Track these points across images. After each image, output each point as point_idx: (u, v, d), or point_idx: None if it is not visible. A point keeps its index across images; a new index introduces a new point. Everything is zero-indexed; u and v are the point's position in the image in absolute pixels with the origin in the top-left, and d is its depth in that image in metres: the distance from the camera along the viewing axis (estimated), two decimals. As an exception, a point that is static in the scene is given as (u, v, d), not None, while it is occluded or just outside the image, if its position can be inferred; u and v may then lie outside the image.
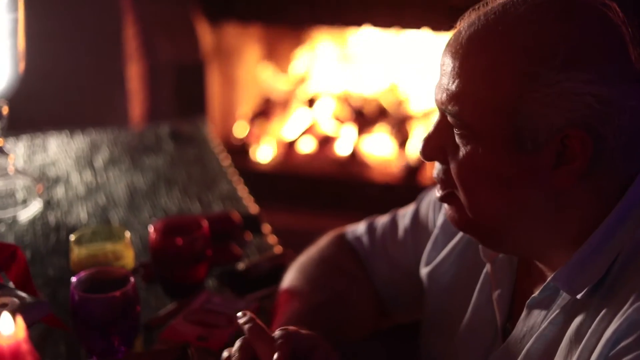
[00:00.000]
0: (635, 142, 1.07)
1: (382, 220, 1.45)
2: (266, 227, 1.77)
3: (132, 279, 1.31)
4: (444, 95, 1.10)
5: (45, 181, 1.99)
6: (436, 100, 1.12)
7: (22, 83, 1.90)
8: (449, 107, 1.09)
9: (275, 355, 1.08)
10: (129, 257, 1.45)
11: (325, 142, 3.23)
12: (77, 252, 1.44)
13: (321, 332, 1.24)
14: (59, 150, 2.16)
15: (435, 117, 1.15)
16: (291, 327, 1.15)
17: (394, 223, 1.43)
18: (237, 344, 1.13)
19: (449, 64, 1.09)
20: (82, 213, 1.86)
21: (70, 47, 2.95)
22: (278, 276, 1.48)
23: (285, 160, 3.23)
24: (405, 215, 1.42)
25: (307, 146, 3.25)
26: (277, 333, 1.12)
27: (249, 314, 1.14)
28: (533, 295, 1.14)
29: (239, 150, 3.20)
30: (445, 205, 1.17)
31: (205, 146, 2.22)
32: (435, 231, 1.34)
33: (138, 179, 2.02)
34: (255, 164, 3.21)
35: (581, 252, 1.08)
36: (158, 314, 1.45)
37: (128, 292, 1.30)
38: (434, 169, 1.17)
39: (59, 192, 1.95)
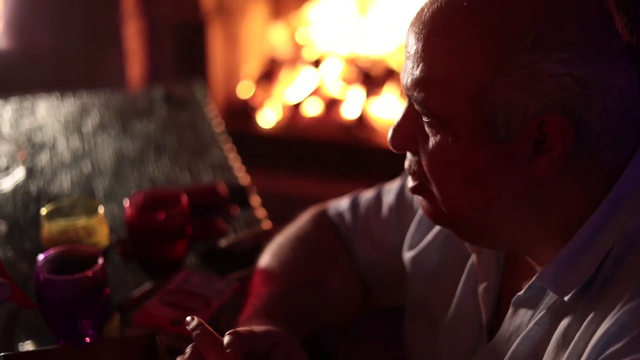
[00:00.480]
0: (624, 124, 0.95)
1: (366, 195, 1.35)
2: (255, 200, 1.68)
3: (100, 260, 1.23)
4: (409, 80, 0.99)
5: (30, 147, 1.91)
6: (402, 85, 1.02)
7: (12, 42, 1.82)
8: (415, 94, 0.98)
9: None
10: (102, 234, 1.37)
11: (332, 104, 3.13)
12: (48, 228, 1.36)
13: (294, 319, 1.17)
14: (47, 114, 2.08)
15: (404, 104, 1.04)
16: (242, 329, 1.07)
17: (378, 199, 1.33)
18: (187, 352, 1.04)
19: (412, 45, 0.98)
20: (65, 182, 1.78)
21: (65, 5, 2.85)
22: (261, 254, 1.39)
23: (290, 123, 3.13)
24: (390, 191, 1.32)
25: (313, 109, 3.15)
26: (226, 339, 1.03)
27: (196, 319, 1.06)
28: (518, 294, 1.05)
29: (242, 113, 3.10)
30: (419, 197, 1.07)
31: (200, 111, 2.12)
32: (420, 212, 1.24)
33: (127, 145, 1.94)
34: (258, 127, 3.12)
35: (568, 248, 0.98)
36: (132, 294, 1.37)
37: (96, 273, 1.22)
38: (406, 159, 1.06)
39: (44, 159, 1.87)
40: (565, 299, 0.98)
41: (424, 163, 1.01)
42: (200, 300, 1.33)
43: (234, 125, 3.07)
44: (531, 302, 1.04)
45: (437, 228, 1.22)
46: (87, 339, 1.23)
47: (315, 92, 3.17)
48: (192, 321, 1.06)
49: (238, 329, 1.07)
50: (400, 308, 1.30)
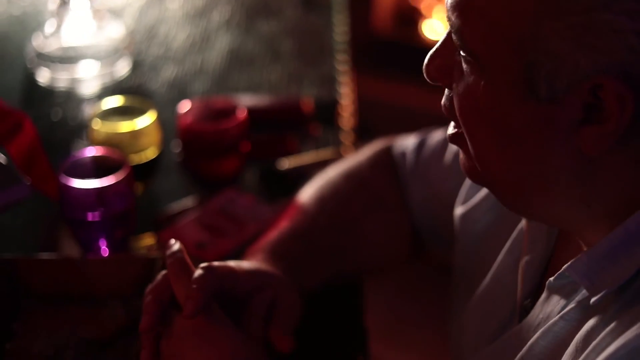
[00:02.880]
0: None
1: (436, 136, 1.19)
2: (347, 121, 1.55)
3: (122, 171, 1.15)
4: (449, 4, 0.82)
5: (147, 39, 1.86)
6: (445, 5, 0.85)
7: None
8: (452, 18, 0.81)
9: (187, 304, 0.90)
10: (150, 140, 1.29)
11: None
12: (96, 128, 1.29)
13: (310, 260, 1.07)
14: (178, 6, 2.01)
15: (445, 29, 0.87)
16: (222, 264, 0.96)
17: (445, 143, 1.16)
18: (157, 279, 0.95)
19: None
20: (165, 80, 1.71)
21: None
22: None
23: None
24: (459, 134, 1.15)
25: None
26: (196, 273, 0.93)
27: (178, 244, 0.96)
28: (550, 279, 0.88)
29: (410, 21, 2.92)
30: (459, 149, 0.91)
31: (332, 16, 1.98)
32: None
33: (245, 46, 1.84)
34: (424, 38, 2.93)
35: (609, 240, 0.80)
36: (169, 209, 1.29)
37: (117, 183, 1.15)
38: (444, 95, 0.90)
39: (155, 52, 1.81)
40: (592, 300, 0.81)
41: (455, 104, 0.85)
42: (237, 224, 1.24)
43: (398, 33, 2.91)
44: (565, 291, 0.87)
45: None
46: (105, 252, 1.18)
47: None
48: (172, 246, 0.97)
49: (215, 263, 0.97)
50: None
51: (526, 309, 0.93)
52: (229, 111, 1.32)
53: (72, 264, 1.09)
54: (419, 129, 1.23)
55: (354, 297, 1.18)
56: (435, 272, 1.24)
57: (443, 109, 0.89)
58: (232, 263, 0.99)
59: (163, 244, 1.21)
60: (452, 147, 1.15)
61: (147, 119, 1.29)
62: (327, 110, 1.53)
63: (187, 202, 1.30)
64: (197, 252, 1.18)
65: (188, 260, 0.95)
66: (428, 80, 0.88)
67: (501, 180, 0.85)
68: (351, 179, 1.18)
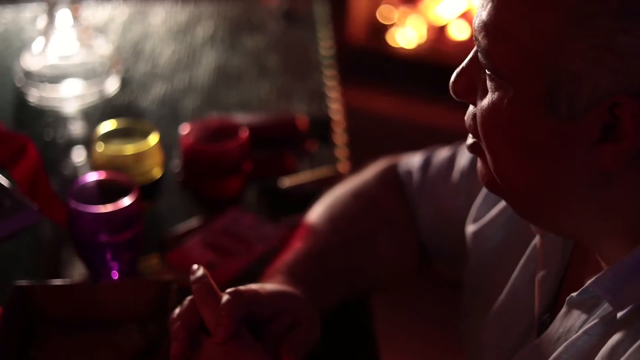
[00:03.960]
0: None
1: (441, 154, 1.21)
2: (340, 137, 1.57)
3: (132, 195, 1.16)
4: (477, 21, 0.86)
5: (132, 56, 1.86)
6: (473, 26, 0.87)
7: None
8: (479, 39, 0.85)
9: (218, 330, 0.91)
10: (154, 163, 1.30)
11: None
12: (97, 151, 1.29)
13: (324, 279, 1.09)
14: (160, 22, 2.01)
15: (473, 48, 0.90)
16: (248, 289, 0.97)
17: (451, 161, 1.19)
18: (183, 306, 0.96)
19: None
20: (155, 97, 1.71)
21: None
22: (324, 199, 1.28)
23: (432, 46, 2.95)
24: (465, 152, 1.18)
25: (459, 32, 2.96)
26: (224, 300, 0.94)
27: (202, 269, 0.97)
28: (572, 294, 0.90)
29: (382, 30, 2.95)
30: (478, 159, 0.93)
31: (316, 30, 2.00)
32: None
33: (231, 61, 1.85)
34: (397, 48, 2.96)
35: (634, 254, 0.83)
36: (175, 230, 1.30)
37: (128, 206, 1.15)
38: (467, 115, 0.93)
39: (142, 69, 1.81)
40: (619, 315, 0.84)
41: (477, 120, 0.88)
42: (244, 244, 1.25)
43: (372, 44, 2.93)
44: (587, 306, 0.90)
45: (503, 202, 1.07)
46: (115, 275, 1.18)
47: (464, 15, 2.97)
48: (196, 271, 0.98)
49: (241, 288, 0.98)
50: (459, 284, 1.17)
51: (544, 324, 0.96)
52: (231, 131, 1.33)
53: (87, 289, 1.09)
54: (393, 136, 1.26)
55: (363, 313, 1.20)
56: (439, 288, 1.26)
57: (466, 122, 0.91)
58: (255, 286, 1.00)
59: (171, 266, 1.22)
60: (459, 166, 1.17)
61: (151, 141, 1.29)
62: (322, 127, 1.55)
63: (192, 222, 1.31)
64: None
65: (214, 285, 0.96)
66: (454, 96, 0.91)
67: (518, 191, 0.88)
68: (360, 198, 1.19)
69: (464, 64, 0.90)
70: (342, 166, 1.47)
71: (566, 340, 0.90)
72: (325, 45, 1.91)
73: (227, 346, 0.92)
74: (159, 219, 1.34)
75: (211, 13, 2.05)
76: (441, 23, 2.97)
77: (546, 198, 0.86)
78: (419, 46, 2.95)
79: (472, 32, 0.88)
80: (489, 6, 0.83)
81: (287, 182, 1.38)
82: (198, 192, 1.33)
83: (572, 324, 0.90)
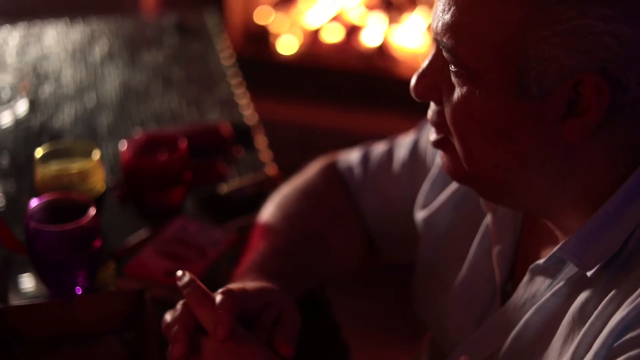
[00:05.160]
0: None
1: (378, 149, 1.30)
2: (261, 141, 1.63)
3: (92, 210, 1.18)
4: (439, 24, 0.93)
5: (34, 78, 1.86)
6: (432, 29, 0.96)
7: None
8: (444, 40, 0.93)
9: (218, 329, 0.96)
10: (97, 180, 1.32)
11: (352, 31, 3.04)
12: (41, 172, 1.31)
13: (292, 274, 1.14)
14: (54, 42, 2.02)
15: (431, 49, 0.98)
16: (235, 286, 1.03)
17: (390, 154, 1.27)
18: (177, 310, 1.01)
19: None
20: (68, 117, 1.73)
21: None
22: (263, 203, 1.34)
23: (308, 50, 3.04)
24: (402, 145, 1.27)
25: (332, 35, 3.06)
26: (218, 298, 0.99)
27: (188, 274, 1.02)
28: (537, 262, 1.00)
29: (260, 39, 3.02)
30: (440, 152, 1.02)
31: (211, 41, 2.05)
32: (434, 170, 1.19)
33: (134, 77, 1.88)
34: (276, 54, 3.04)
35: (594, 221, 0.93)
36: (127, 242, 1.33)
37: (86, 224, 1.18)
38: (429, 109, 1.01)
39: (47, 90, 1.82)
40: (588, 274, 0.93)
41: (447, 115, 0.96)
42: (196, 250, 1.29)
43: (251, 52, 3.00)
44: (550, 272, 0.99)
45: (451, 188, 1.17)
46: (78, 290, 1.20)
47: (336, 18, 3.07)
48: (183, 276, 1.02)
49: (231, 286, 1.04)
50: (408, 268, 1.25)
51: (507, 293, 1.05)
52: (168, 142, 1.37)
53: (61, 305, 1.12)
54: (293, 141, 1.33)
55: (323, 308, 1.26)
56: (387, 272, 1.35)
57: (430, 121, 0.99)
58: (240, 285, 1.05)
59: (130, 277, 1.26)
60: (398, 158, 1.26)
61: (94, 158, 1.32)
62: (242, 133, 1.60)
63: (141, 234, 1.34)
64: (168, 280, 1.22)
65: (204, 287, 1.01)
66: (416, 98, 0.99)
67: (488, 174, 0.96)
68: (309, 195, 1.26)
69: (423, 67, 0.98)
70: (270, 169, 1.54)
71: (533, 304, 0.99)
72: (225, 55, 1.97)
73: (227, 342, 0.97)
74: (106, 233, 1.37)
75: (103, 31, 2.07)
76: (314, 28, 3.07)
77: (515, 177, 0.95)
78: (296, 51, 3.04)
79: (432, 34, 0.96)
80: (452, 9, 0.91)
81: (225, 187, 1.43)
82: (142, 204, 1.37)
83: (536, 289, 1.00)
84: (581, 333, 0.91)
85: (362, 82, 2.96)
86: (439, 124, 0.98)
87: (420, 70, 0.98)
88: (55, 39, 2.03)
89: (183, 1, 2.83)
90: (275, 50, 3.03)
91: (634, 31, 0.86)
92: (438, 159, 1.17)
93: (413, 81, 0.98)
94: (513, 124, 0.91)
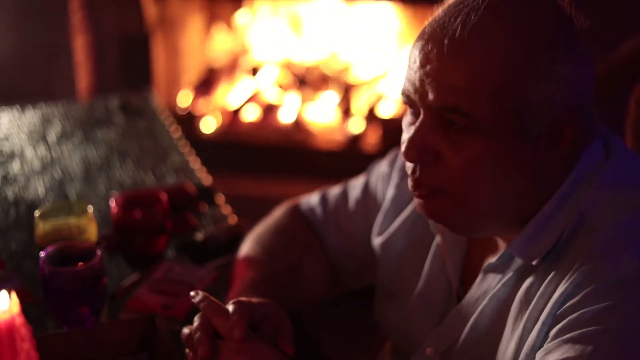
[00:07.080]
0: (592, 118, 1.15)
1: (334, 191, 1.52)
2: (220, 198, 1.85)
3: (98, 252, 1.37)
4: (436, 91, 1.09)
5: (0, 156, 2.04)
6: (424, 97, 1.11)
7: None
8: (450, 100, 1.09)
9: (235, 330, 1.15)
10: (92, 231, 1.52)
11: (269, 110, 3.30)
12: (42, 227, 1.49)
13: (274, 300, 1.30)
14: (11, 125, 2.20)
15: (408, 117, 1.16)
16: (243, 299, 1.22)
17: (345, 194, 1.50)
18: (196, 321, 1.18)
19: (433, 57, 1.09)
20: (39, 188, 1.91)
21: (15, 20, 2.97)
22: (234, 245, 1.56)
23: (229, 129, 3.29)
24: (355, 186, 1.49)
25: (251, 114, 3.31)
26: (231, 307, 1.18)
27: (201, 293, 1.20)
28: (489, 261, 1.21)
29: (185, 120, 3.25)
30: (420, 201, 1.17)
31: (155, 118, 2.27)
32: (386, 204, 1.40)
33: (92, 152, 2.08)
34: (200, 133, 3.27)
35: (535, 221, 1.15)
36: (122, 284, 1.52)
37: (95, 264, 1.36)
38: (408, 168, 1.16)
39: (15, 167, 2.00)
40: (534, 263, 1.15)
41: (452, 168, 1.11)
42: (185, 287, 1.49)
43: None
44: (500, 269, 1.20)
45: (403, 216, 1.37)
46: (88, 325, 1.38)
47: (253, 99, 3.33)
48: (197, 295, 1.21)
49: (240, 298, 1.22)
50: (370, 292, 1.46)
51: (460, 296, 1.28)
52: (148, 198, 1.58)
53: (85, 333, 1.29)
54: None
55: (300, 330, 1.47)
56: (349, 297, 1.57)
57: (418, 179, 1.14)
58: (245, 298, 1.25)
59: (131, 311, 1.44)
60: (352, 197, 1.48)
61: (89, 212, 1.51)
62: (205, 192, 1.82)
63: (134, 277, 1.53)
64: (166, 311, 1.42)
65: (217, 300, 1.21)
66: (408, 161, 1.15)
67: (478, 212, 1.14)
68: (281, 233, 1.48)
69: (413, 133, 1.12)
70: (232, 219, 1.75)
71: (485, 297, 1.21)
72: (172, 130, 2.19)
73: (243, 343, 1.16)
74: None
75: (54, 114, 2.26)
76: (233, 108, 3.32)
77: (494, 206, 1.15)
78: (217, 130, 3.28)
79: (420, 102, 1.11)
80: (457, 75, 1.08)
81: (200, 235, 1.64)
82: (130, 253, 1.56)
83: (488, 285, 1.22)
84: (528, 310, 1.14)
85: (279, 154, 3.21)
86: (433, 178, 1.13)
87: (410, 137, 1.13)
88: (12, 123, 2.21)
89: (113, 86, 3.05)
90: (198, 130, 3.26)
91: (586, 69, 1.12)
92: (389, 194, 1.41)
93: (404, 148, 1.13)
94: (517, 163, 1.12)
